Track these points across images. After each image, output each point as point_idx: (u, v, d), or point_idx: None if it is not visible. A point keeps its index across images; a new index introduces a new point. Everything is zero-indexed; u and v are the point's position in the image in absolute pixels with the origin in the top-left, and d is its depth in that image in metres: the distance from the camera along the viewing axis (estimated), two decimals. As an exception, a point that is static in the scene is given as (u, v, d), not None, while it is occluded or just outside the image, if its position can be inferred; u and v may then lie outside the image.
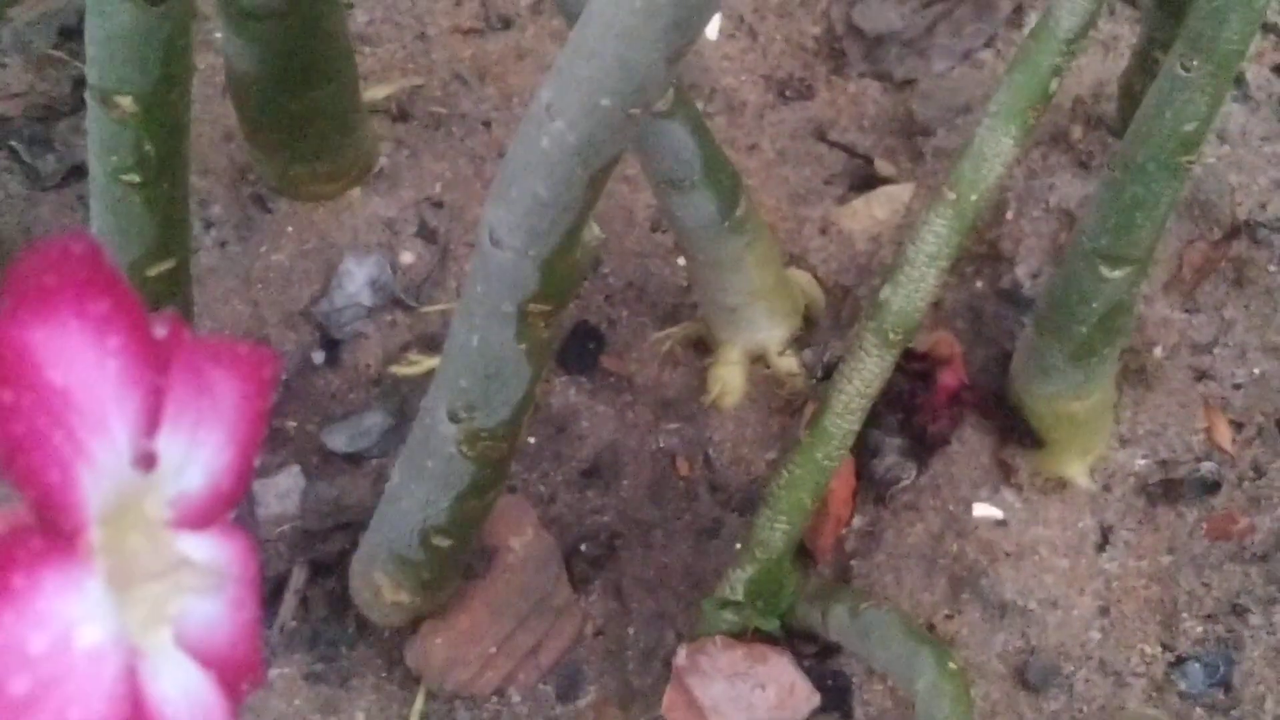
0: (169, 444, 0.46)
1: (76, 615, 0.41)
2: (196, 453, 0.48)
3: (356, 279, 1.46)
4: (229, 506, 0.50)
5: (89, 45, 0.95)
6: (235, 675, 0.49)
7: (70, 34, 1.60)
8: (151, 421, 0.45)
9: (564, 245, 0.90)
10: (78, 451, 0.43)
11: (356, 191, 1.52)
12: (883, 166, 1.58)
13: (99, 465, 0.43)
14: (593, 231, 0.93)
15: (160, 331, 0.45)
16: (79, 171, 1.52)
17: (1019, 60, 1.12)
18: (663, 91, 0.84)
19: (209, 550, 0.48)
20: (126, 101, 0.95)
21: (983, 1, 1.68)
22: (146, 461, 0.45)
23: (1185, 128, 1.10)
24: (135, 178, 1.00)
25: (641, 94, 0.80)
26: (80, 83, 1.57)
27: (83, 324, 0.43)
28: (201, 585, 0.48)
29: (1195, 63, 1.07)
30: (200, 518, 0.48)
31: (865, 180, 1.58)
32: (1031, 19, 1.67)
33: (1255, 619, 1.37)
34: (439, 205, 1.53)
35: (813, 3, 1.68)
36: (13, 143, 1.54)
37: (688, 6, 0.75)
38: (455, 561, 1.22)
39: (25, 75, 1.59)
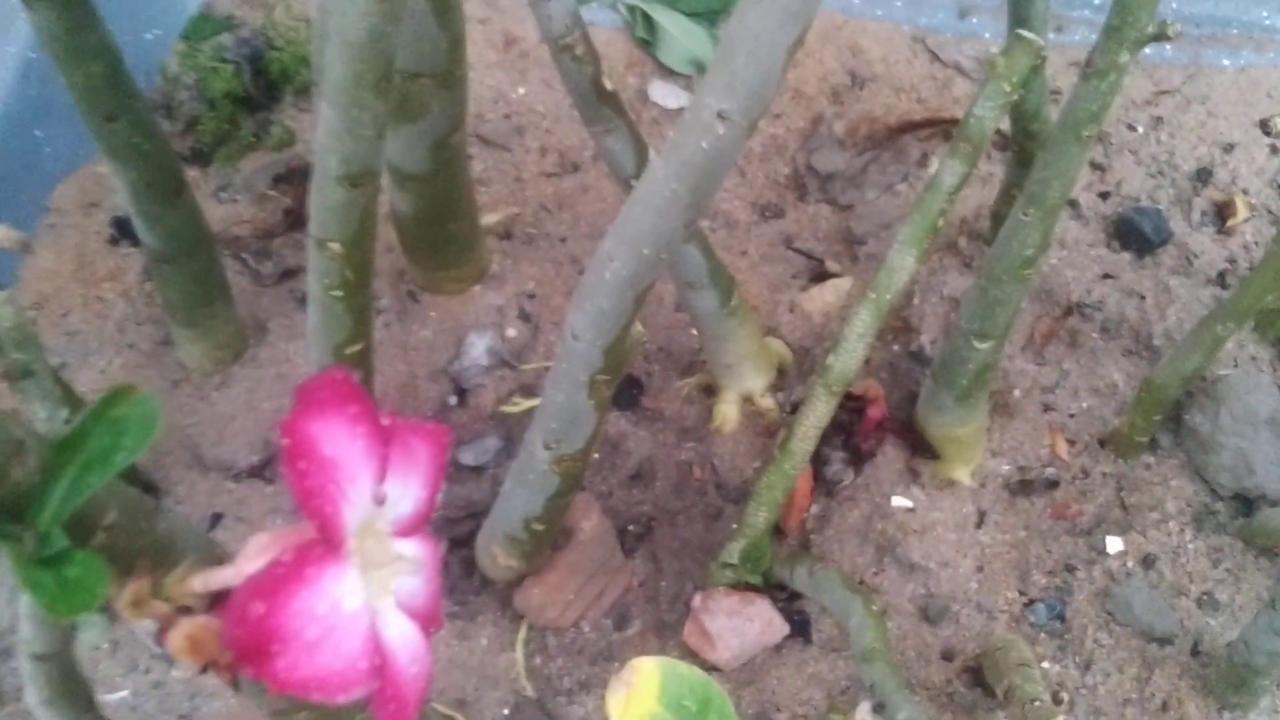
0: (391, 487, 0.53)
1: (343, 591, 0.47)
2: (406, 492, 0.54)
3: (478, 347, 1.51)
4: (425, 523, 0.57)
5: (312, 209, 1.00)
6: (428, 624, 0.54)
7: (280, 179, 1.66)
8: (381, 475, 0.52)
9: (619, 339, 0.97)
10: (342, 496, 0.49)
11: (477, 288, 1.57)
12: (831, 265, 1.62)
13: (354, 503, 0.50)
14: (637, 329, 1.00)
15: (384, 420, 0.53)
16: (289, 274, 1.58)
17: (917, 205, 1.17)
18: (683, 242, 0.91)
19: (414, 549, 0.54)
20: (335, 246, 1.01)
21: (899, 150, 1.73)
22: (379, 500, 0.52)
23: (1026, 252, 1.16)
24: (339, 293, 1.05)
25: (669, 246, 0.88)
26: (288, 212, 1.62)
27: (342, 420, 0.50)
28: (410, 570, 0.53)
29: (1031, 210, 1.13)
30: (408, 530, 0.55)
31: (819, 275, 1.62)
32: (933, 163, 1.72)
33: (1081, 574, 1.41)
34: (532, 296, 1.57)
35: (784, 151, 1.73)
36: (243, 255, 1.59)
37: (698, 195, 0.83)
38: (546, 539, 1.26)
39: (250, 208, 1.64)
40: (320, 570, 0.48)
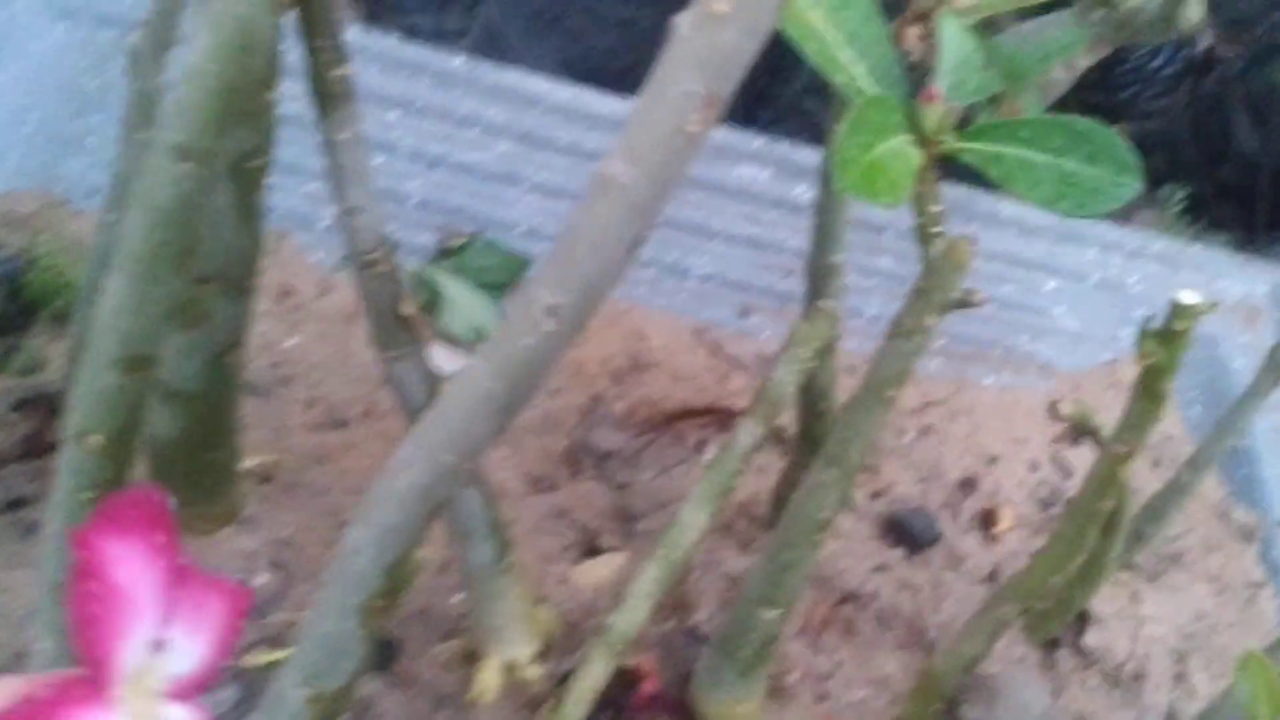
0: (174, 637, 0.49)
1: (107, 738, 0.43)
2: (190, 648, 0.50)
3: (223, 593, 1.42)
4: (200, 690, 0.52)
5: (75, 399, 0.93)
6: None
7: (24, 403, 1.55)
8: (168, 619, 0.48)
9: (403, 558, 0.92)
10: (122, 631, 0.45)
11: (228, 529, 1.49)
12: (605, 540, 1.61)
13: (132, 643, 0.46)
14: (421, 552, 0.95)
15: (184, 559, 0.49)
16: (17, 503, 1.47)
17: (711, 464, 1.19)
18: (485, 453, 0.88)
19: (183, 717, 0.50)
20: (97, 439, 0.94)
21: (677, 435, 1.76)
22: (159, 646, 0.47)
23: (821, 515, 1.17)
24: (91, 495, 0.98)
25: (473, 455, 0.85)
26: (28, 439, 1.53)
27: (144, 547, 0.46)
28: (179, 740, 0.49)
29: (831, 471, 1.14)
30: (183, 693, 0.50)
31: (592, 549, 1.60)
32: (708, 451, 1.75)
33: None
34: (288, 544, 1.50)
35: (561, 426, 1.73)
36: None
37: (514, 397, 0.81)
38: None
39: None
40: (83, 712, 0.43)
